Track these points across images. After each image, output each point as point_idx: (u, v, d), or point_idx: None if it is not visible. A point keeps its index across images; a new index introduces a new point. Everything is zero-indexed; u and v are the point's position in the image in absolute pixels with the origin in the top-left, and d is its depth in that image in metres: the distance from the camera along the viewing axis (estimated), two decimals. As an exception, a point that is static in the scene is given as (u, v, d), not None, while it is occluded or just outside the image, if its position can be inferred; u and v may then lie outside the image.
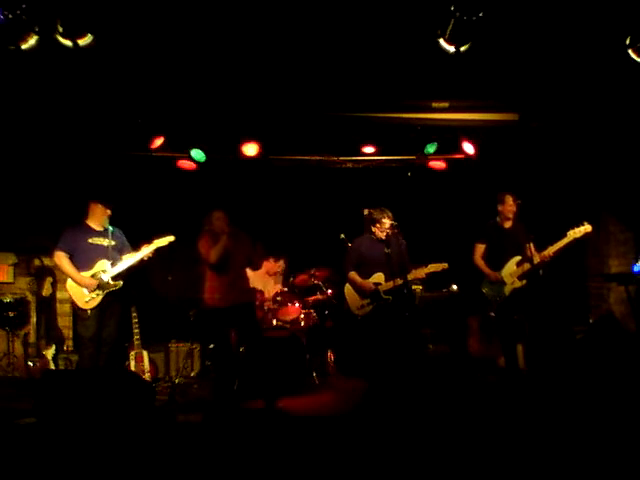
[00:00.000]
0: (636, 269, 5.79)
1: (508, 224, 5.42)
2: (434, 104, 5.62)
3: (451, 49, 3.93)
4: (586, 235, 5.18)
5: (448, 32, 3.85)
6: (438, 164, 6.77)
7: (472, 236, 5.63)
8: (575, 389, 4.12)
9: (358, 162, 6.86)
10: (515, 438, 3.44)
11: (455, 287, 6.92)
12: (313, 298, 6.47)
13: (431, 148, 6.48)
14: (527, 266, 5.14)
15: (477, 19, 3.72)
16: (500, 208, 5.41)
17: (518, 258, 5.27)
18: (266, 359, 5.24)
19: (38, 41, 3.82)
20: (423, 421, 3.70)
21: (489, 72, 4.82)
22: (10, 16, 3.63)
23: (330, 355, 6.37)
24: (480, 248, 5.48)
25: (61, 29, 3.78)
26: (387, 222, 5.31)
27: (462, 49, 3.92)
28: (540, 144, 6.29)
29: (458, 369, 4.42)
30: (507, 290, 5.27)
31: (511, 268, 5.29)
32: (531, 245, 5.31)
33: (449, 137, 6.41)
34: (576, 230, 5.13)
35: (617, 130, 5.96)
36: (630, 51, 4.07)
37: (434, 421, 3.68)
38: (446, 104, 5.63)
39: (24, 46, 3.81)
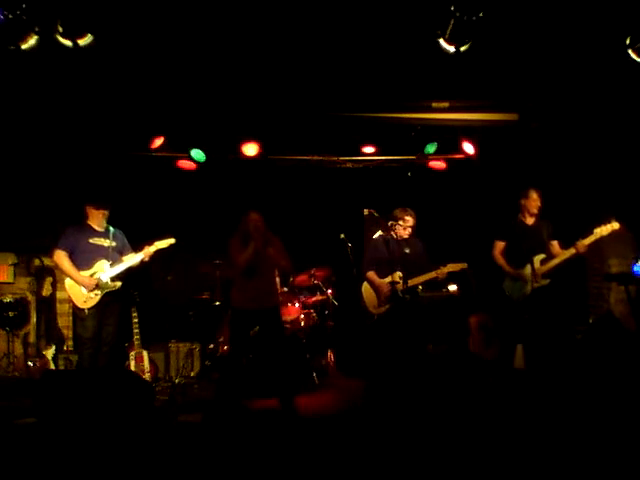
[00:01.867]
0: (636, 269, 5.78)
1: (531, 220, 5.37)
2: (434, 104, 5.61)
3: (451, 49, 3.93)
4: (613, 232, 5.08)
5: (448, 32, 3.85)
6: (438, 164, 6.77)
7: (472, 235, 5.62)
8: (575, 389, 4.12)
9: (358, 162, 6.86)
10: (515, 437, 3.44)
11: (455, 287, 6.90)
12: (313, 298, 6.46)
13: (431, 148, 6.47)
14: (550, 265, 5.13)
15: (477, 19, 3.72)
16: (524, 203, 5.35)
17: (542, 256, 5.21)
18: (271, 359, 5.22)
19: (38, 41, 3.82)
20: (423, 421, 3.70)
21: (489, 72, 4.82)
22: (10, 16, 3.63)
23: (330, 355, 6.37)
24: (500, 245, 5.42)
25: (61, 29, 3.78)
26: (410, 221, 5.28)
27: (462, 49, 3.92)
28: (540, 144, 6.28)
29: (458, 369, 4.42)
30: (529, 288, 5.20)
31: (535, 265, 5.19)
32: (555, 242, 5.31)
33: (449, 137, 6.41)
34: (603, 228, 5.05)
35: (617, 130, 5.95)
36: (630, 51, 4.07)
37: (434, 420, 3.68)
38: (446, 104, 5.63)
39: (24, 46, 3.81)
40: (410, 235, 5.29)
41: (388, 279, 5.34)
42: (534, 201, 5.31)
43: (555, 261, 5.19)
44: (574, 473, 3.06)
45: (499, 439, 3.43)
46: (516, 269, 5.30)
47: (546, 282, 5.21)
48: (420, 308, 5.24)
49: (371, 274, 5.42)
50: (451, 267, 5.30)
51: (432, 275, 5.28)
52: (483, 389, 4.31)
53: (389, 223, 5.38)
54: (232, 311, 4.96)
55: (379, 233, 5.55)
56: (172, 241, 5.29)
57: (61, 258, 5.00)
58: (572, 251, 5.11)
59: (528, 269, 5.23)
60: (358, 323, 6.00)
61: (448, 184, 7.07)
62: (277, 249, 4.91)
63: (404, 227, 5.30)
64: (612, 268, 6.66)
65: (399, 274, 5.31)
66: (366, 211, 5.75)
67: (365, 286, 5.51)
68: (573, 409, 3.85)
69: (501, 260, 5.40)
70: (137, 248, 5.32)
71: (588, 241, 5.09)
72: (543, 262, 5.23)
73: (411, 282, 5.20)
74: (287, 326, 6.03)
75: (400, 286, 5.28)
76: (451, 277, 6.65)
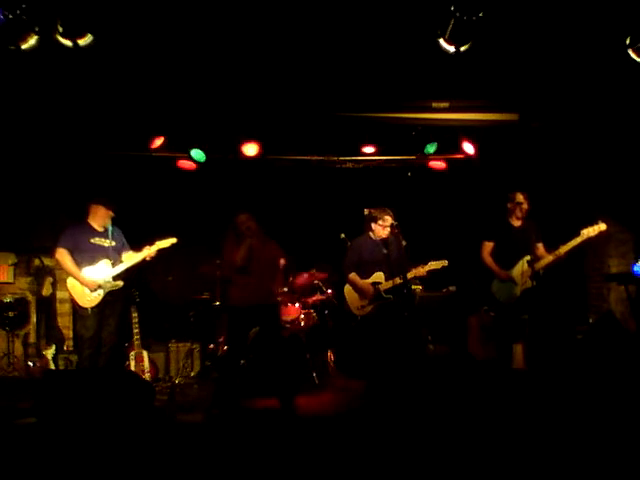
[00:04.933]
0: (636, 269, 5.79)
1: (518, 222, 5.36)
2: (434, 104, 5.61)
3: (451, 49, 3.93)
4: (600, 234, 5.06)
5: (448, 32, 3.85)
6: (438, 164, 6.77)
7: (472, 236, 5.62)
8: (575, 389, 4.11)
9: (358, 162, 6.86)
10: (515, 438, 3.44)
11: (453, 288, 6.91)
12: (313, 298, 6.47)
13: (431, 148, 6.47)
14: (538, 265, 5.11)
15: (477, 19, 3.72)
16: (510, 206, 5.35)
17: (528, 258, 5.16)
18: (271, 359, 5.22)
19: (38, 41, 3.82)
20: (423, 421, 3.69)
21: (489, 72, 4.82)
22: (10, 16, 3.64)
23: (330, 355, 6.37)
24: (488, 246, 5.40)
25: (61, 29, 3.78)
26: (388, 220, 5.29)
27: (462, 49, 3.92)
28: (540, 144, 6.28)
29: (458, 369, 4.42)
30: (518, 290, 5.19)
31: (523, 267, 5.18)
32: (540, 245, 5.30)
33: (449, 137, 6.41)
34: (590, 229, 5.03)
35: (617, 130, 5.96)
36: (630, 51, 4.08)
37: (434, 421, 3.68)
38: (446, 104, 5.63)
39: (24, 46, 3.81)
40: (389, 235, 5.29)
41: (370, 279, 5.36)
42: (521, 203, 5.30)
43: (542, 264, 5.17)
44: (574, 473, 3.06)
45: (499, 439, 3.43)
46: (504, 271, 5.29)
47: (534, 283, 5.17)
48: (405, 307, 5.24)
49: (353, 276, 5.44)
50: (433, 265, 5.31)
51: (414, 273, 5.29)
52: (482, 389, 4.31)
53: (367, 224, 5.43)
54: (230, 310, 4.98)
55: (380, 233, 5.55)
56: (174, 240, 5.29)
57: (63, 257, 5.00)
58: (551, 257, 5.11)
59: (516, 271, 5.23)
60: (344, 325, 6.03)
61: (448, 184, 7.07)
62: (269, 247, 4.95)
63: (383, 227, 5.32)
64: (612, 268, 6.67)
65: (381, 274, 5.34)
66: (366, 211, 5.76)
67: (347, 288, 5.52)
68: (573, 409, 3.85)
69: (490, 262, 5.37)
70: (138, 248, 5.32)
71: (573, 243, 5.07)
72: (529, 264, 5.19)
73: (396, 281, 5.21)
74: (287, 326, 6.04)
75: (382, 286, 5.30)
76: (453, 277, 6.67)
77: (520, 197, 5.29)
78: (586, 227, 5.06)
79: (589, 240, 5.09)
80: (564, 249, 5.08)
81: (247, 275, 4.81)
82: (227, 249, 4.90)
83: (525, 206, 5.29)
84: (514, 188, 5.40)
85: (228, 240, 4.93)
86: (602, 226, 5.04)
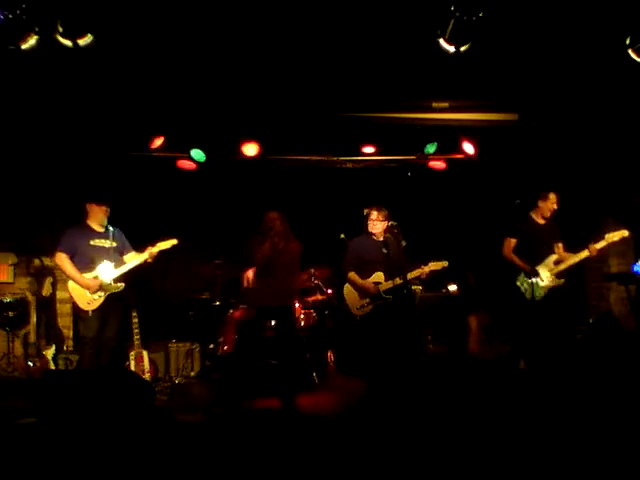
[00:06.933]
0: (636, 269, 5.80)
1: (543, 221, 5.43)
2: (434, 104, 5.62)
3: (451, 49, 3.93)
4: (623, 239, 5.31)
5: (448, 32, 3.85)
6: (438, 164, 6.77)
7: (472, 236, 5.63)
8: (575, 389, 4.12)
9: (358, 162, 6.85)
10: (515, 438, 3.44)
11: (455, 287, 6.91)
12: (313, 298, 6.46)
13: (431, 148, 6.47)
14: (564, 265, 5.27)
15: (477, 19, 3.72)
16: (541, 204, 5.41)
17: (555, 256, 5.30)
18: (271, 359, 5.21)
19: (38, 41, 3.82)
20: (423, 421, 3.70)
21: (489, 72, 4.82)
22: (10, 16, 3.64)
23: (330, 355, 6.37)
24: (511, 242, 5.43)
25: (61, 29, 3.79)
26: (375, 214, 5.31)
27: (462, 49, 3.92)
28: (540, 144, 6.29)
29: (458, 369, 4.42)
30: (544, 288, 5.26)
31: (549, 265, 5.29)
32: (560, 244, 5.37)
33: (449, 137, 6.41)
34: (614, 234, 5.25)
35: (617, 130, 5.96)
36: (630, 51, 4.08)
37: (434, 421, 3.68)
38: (446, 104, 5.63)
39: (24, 46, 3.81)
40: (390, 234, 5.29)
41: (370, 279, 5.36)
42: (552, 204, 5.37)
43: (569, 262, 5.30)
44: (574, 473, 3.06)
45: (499, 439, 3.43)
46: (530, 265, 5.31)
47: (561, 282, 5.28)
48: (404, 307, 5.24)
49: (352, 275, 5.44)
50: (433, 266, 5.32)
51: (414, 274, 5.29)
52: (482, 389, 4.32)
53: (364, 224, 5.43)
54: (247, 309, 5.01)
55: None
56: (174, 242, 5.31)
57: (63, 260, 4.99)
58: (585, 253, 5.26)
59: (543, 268, 5.28)
60: (344, 325, 6.02)
61: (448, 184, 7.07)
62: (293, 248, 4.95)
63: (372, 222, 5.33)
64: (612, 268, 6.67)
65: (380, 274, 5.33)
66: (366, 211, 5.77)
67: (347, 288, 5.51)
68: (573, 409, 3.85)
69: (514, 257, 5.40)
70: (138, 249, 5.32)
71: (599, 246, 5.25)
72: (556, 263, 5.30)
73: (396, 281, 5.20)
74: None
75: (382, 286, 5.30)
76: (453, 277, 6.66)
77: (553, 197, 5.37)
78: (610, 232, 5.27)
79: (612, 244, 5.32)
80: (597, 247, 5.24)
81: (267, 276, 4.86)
82: (252, 247, 4.95)
83: (555, 206, 5.37)
84: (547, 187, 5.47)
85: (254, 238, 4.99)
86: (625, 232, 5.27)
